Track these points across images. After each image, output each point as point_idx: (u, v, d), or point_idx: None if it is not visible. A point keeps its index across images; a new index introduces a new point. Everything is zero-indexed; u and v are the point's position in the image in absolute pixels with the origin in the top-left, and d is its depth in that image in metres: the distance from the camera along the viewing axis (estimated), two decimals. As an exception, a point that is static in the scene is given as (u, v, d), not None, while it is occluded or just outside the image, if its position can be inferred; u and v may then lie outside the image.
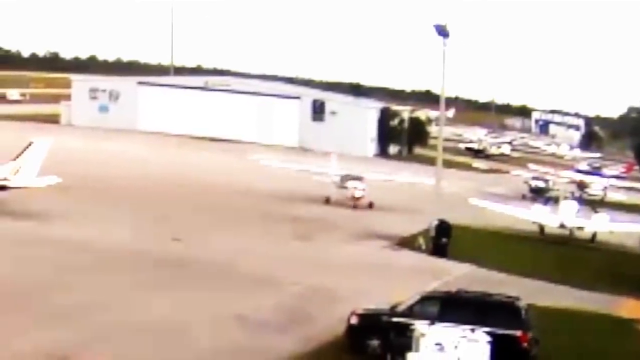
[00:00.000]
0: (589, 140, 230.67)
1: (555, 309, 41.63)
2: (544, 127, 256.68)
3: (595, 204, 79.02)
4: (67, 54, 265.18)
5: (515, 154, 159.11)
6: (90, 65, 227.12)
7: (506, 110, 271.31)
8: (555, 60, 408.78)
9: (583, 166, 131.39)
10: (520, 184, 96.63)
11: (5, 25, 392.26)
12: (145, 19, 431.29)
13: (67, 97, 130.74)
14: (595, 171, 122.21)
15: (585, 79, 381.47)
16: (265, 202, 68.21)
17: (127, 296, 37.39)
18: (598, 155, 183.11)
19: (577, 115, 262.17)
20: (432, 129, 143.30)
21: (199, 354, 31.19)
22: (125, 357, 30.08)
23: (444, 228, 54.13)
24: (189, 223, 56.35)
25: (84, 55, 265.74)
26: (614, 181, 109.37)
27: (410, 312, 32.16)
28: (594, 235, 66.62)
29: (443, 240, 53.90)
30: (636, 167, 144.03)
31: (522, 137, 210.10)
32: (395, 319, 32.09)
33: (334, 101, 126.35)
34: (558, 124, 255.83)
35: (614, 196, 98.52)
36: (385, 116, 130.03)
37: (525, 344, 31.35)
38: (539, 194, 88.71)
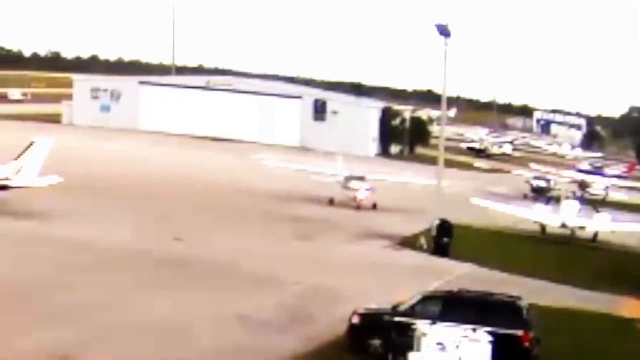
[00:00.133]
0: (591, 140, 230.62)
1: (556, 309, 41.62)
2: (545, 127, 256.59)
3: (596, 204, 78.99)
4: (68, 54, 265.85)
5: (517, 154, 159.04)
6: (91, 65, 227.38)
7: (507, 109, 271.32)
8: (557, 59, 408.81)
9: (584, 166, 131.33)
10: (522, 183, 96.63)
11: (7, 25, 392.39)
12: (146, 19, 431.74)
13: (69, 97, 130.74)
14: (596, 171, 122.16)
15: (587, 79, 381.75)
16: (267, 202, 68.20)
17: (129, 296, 37.39)
18: (599, 154, 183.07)
19: (578, 114, 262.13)
20: (434, 129, 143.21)
21: (200, 353, 31.17)
22: (126, 356, 30.07)
23: (445, 228, 54.12)
24: (191, 222, 56.36)
25: (85, 54, 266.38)
26: (615, 181, 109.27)
27: (412, 312, 32.15)
28: (596, 234, 66.59)
29: (444, 239, 53.89)
30: (638, 167, 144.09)
31: (524, 137, 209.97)
32: (396, 319, 32.09)
33: (335, 101, 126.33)
34: (559, 123, 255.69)
35: (616, 196, 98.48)
36: (387, 116, 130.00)
37: (526, 344, 31.34)
38: (541, 194, 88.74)
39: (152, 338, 32.17)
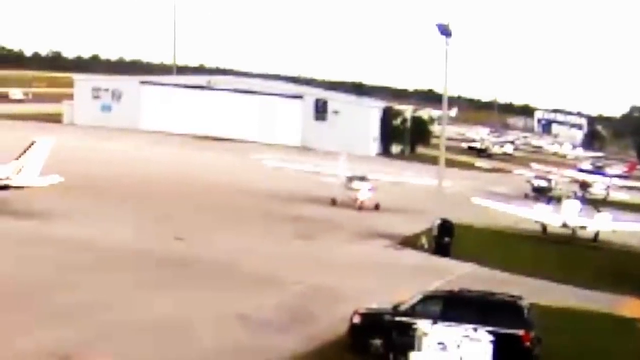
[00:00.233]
0: (592, 140, 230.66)
1: (557, 308, 41.62)
2: (546, 127, 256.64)
3: (597, 203, 78.97)
4: (69, 53, 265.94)
5: (518, 153, 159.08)
6: (92, 65, 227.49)
7: (509, 109, 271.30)
8: (558, 59, 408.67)
9: (585, 165, 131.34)
10: (523, 183, 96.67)
11: (8, 24, 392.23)
12: (147, 18, 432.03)
13: (70, 97, 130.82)
14: (597, 170, 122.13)
15: (588, 78, 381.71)
16: (268, 202, 68.18)
17: (130, 295, 37.39)
18: (600, 154, 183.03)
19: (579, 114, 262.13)
20: (435, 128, 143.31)
21: (202, 353, 31.17)
22: (127, 356, 30.06)
23: (446, 227, 54.10)
24: (192, 222, 56.36)
25: (86, 54, 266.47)
26: (616, 180, 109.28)
27: (413, 312, 32.13)
28: (597, 234, 66.57)
29: (446, 239, 53.86)
30: (639, 167, 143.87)
31: (525, 137, 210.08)
32: (397, 318, 32.08)
33: (336, 100, 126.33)
34: (560, 123, 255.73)
35: (617, 195, 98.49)
36: (388, 115, 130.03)
37: (527, 343, 31.33)
38: (542, 193, 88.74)
39: (153, 338, 32.17)
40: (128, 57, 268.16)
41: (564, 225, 65.78)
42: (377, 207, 69.51)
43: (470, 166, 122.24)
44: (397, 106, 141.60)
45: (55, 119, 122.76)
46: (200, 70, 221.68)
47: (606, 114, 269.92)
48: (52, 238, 46.33)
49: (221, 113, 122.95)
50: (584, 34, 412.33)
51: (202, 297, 38.22)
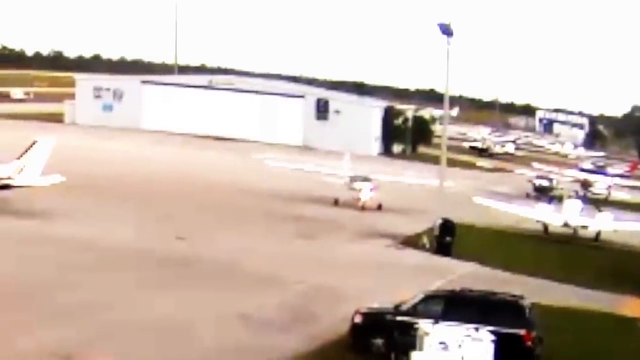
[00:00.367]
0: (593, 139, 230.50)
1: (559, 308, 41.62)
2: (547, 126, 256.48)
3: (599, 203, 78.99)
4: (71, 53, 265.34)
5: (519, 153, 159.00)
6: (94, 64, 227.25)
7: (510, 109, 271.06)
8: (559, 58, 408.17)
9: (587, 165, 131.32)
10: (524, 182, 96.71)
11: (9, 24, 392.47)
12: (149, 18, 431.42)
13: (71, 96, 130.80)
14: (599, 170, 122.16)
15: (589, 78, 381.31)
16: (270, 202, 68.16)
17: (131, 295, 37.40)
18: (602, 154, 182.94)
19: (581, 114, 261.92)
20: (436, 128, 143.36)
21: (203, 353, 31.18)
22: (128, 356, 30.08)
23: (448, 227, 54.09)
24: (193, 222, 56.38)
25: (87, 54, 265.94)
26: (618, 180, 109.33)
27: (414, 311, 32.13)
28: (598, 234, 66.59)
29: (447, 239, 53.86)
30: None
31: (526, 136, 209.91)
32: (399, 318, 32.08)
33: (338, 100, 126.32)
34: (562, 122, 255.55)
35: (618, 195, 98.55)
36: (389, 115, 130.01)
37: (529, 343, 31.33)
38: (543, 193, 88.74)
39: (155, 337, 32.18)
40: (129, 57, 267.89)
41: (566, 225, 65.79)
42: (379, 207, 69.34)
43: (471, 166, 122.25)
44: (399, 106, 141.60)
45: (57, 118, 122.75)
46: (201, 69, 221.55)
47: (607, 113, 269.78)
48: (54, 238, 46.35)
49: (223, 113, 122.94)
50: (585, 33, 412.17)
51: (204, 297, 38.23)
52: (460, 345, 28.11)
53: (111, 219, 54.05)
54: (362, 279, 44.51)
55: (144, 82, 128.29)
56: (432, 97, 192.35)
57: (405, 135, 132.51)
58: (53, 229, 48.74)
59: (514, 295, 33.75)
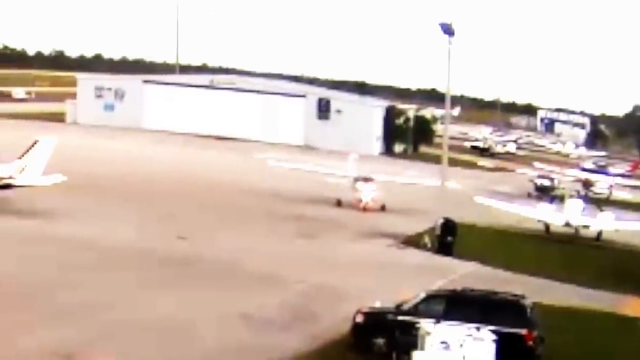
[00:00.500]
0: (595, 139, 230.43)
1: (560, 307, 41.61)
2: (549, 126, 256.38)
3: (600, 203, 78.97)
4: (72, 52, 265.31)
5: (521, 153, 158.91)
6: (95, 64, 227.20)
7: (511, 108, 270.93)
8: (561, 58, 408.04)
9: (588, 164, 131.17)
10: (526, 182, 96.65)
11: (11, 24, 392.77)
12: (150, 18, 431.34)
13: (73, 96, 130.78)
14: (600, 169, 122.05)
15: (591, 77, 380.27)
16: (271, 202, 68.10)
17: (132, 294, 37.41)
18: (603, 153, 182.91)
19: (582, 113, 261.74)
20: (438, 128, 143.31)
21: (204, 352, 31.19)
22: (130, 355, 30.08)
23: (449, 226, 54.07)
24: (194, 221, 56.37)
25: (89, 53, 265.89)
26: (619, 180, 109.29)
27: (416, 311, 32.13)
28: (600, 233, 66.55)
29: (448, 238, 53.85)
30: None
31: (528, 136, 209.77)
32: (400, 318, 32.08)
33: (339, 99, 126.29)
34: (563, 122, 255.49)
35: (620, 195, 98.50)
36: (391, 114, 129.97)
37: (530, 343, 31.34)
38: (545, 193, 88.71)
39: (156, 337, 32.19)
40: (131, 57, 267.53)
41: (567, 225, 65.77)
42: (383, 208, 69.07)
43: (473, 165, 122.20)
44: (400, 105, 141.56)
45: (58, 118, 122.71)
46: (203, 69, 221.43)
47: (609, 113, 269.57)
48: (55, 237, 46.35)
49: (224, 112, 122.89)
50: (587, 33, 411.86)
51: (205, 297, 38.23)
52: (461, 345, 28.12)
53: (112, 218, 54.05)
54: (363, 279, 44.49)
55: (145, 81, 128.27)
56: (434, 97, 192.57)
57: (407, 135, 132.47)
58: (54, 228, 48.74)
59: (516, 295, 33.72)
